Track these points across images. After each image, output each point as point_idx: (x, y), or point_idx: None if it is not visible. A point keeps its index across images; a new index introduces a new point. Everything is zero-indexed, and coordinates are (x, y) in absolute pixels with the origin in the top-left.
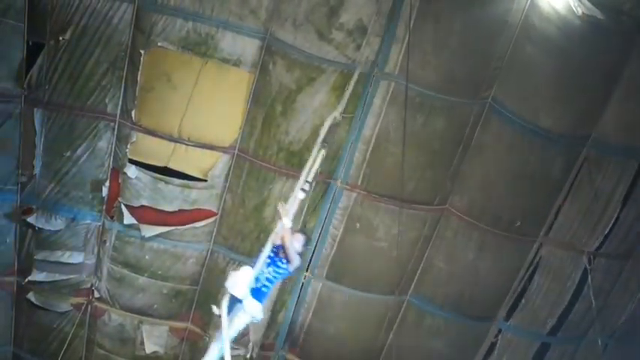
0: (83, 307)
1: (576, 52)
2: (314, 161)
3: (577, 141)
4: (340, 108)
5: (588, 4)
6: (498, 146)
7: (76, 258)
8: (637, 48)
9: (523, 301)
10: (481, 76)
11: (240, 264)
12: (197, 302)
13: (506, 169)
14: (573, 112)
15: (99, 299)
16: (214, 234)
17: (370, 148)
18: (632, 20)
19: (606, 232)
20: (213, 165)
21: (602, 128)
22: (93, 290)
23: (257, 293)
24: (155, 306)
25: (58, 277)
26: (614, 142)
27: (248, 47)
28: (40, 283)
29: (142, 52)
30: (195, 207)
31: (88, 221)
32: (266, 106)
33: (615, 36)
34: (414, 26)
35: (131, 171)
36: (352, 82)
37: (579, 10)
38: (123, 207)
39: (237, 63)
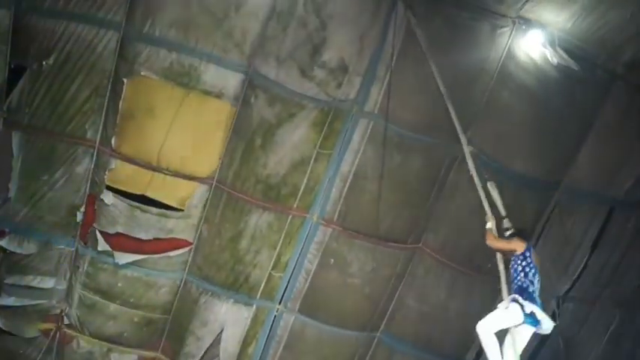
0: (52, 334)
1: (551, 100)
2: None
3: (550, 186)
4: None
5: (564, 55)
6: (472, 188)
7: (47, 283)
8: (610, 98)
9: None
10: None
11: (213, 294)
12: (168, 332)
13: (479, 212)
14: (547, 158)
15: (68, 326)
16: (189, 264)
17: (347, 185)
18: (606, 72)
19: (575, 277)
20: (191, 195)
21: (574, 174)
22: (63, 316)
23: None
24: (125, 334)
25: (27, 301)
26: (585, 188)
27: (231, 80)
28: (9, 307)
29: (125, 80)
30: (171, 236)
31: (62, 246)
32: (246, 138)
33: (589, 86)
34: (395, 68)
35: (108, 198)
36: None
37: (555, 61)
38: (97, 233)
39: (219, 95)
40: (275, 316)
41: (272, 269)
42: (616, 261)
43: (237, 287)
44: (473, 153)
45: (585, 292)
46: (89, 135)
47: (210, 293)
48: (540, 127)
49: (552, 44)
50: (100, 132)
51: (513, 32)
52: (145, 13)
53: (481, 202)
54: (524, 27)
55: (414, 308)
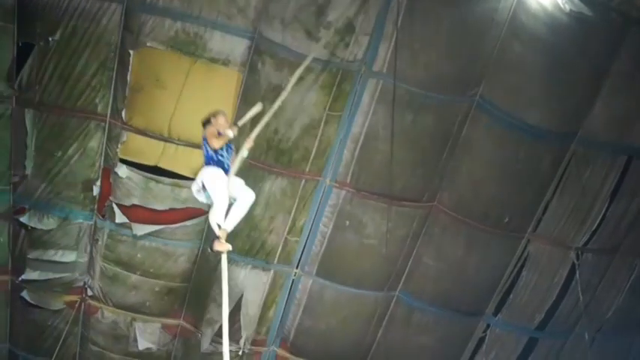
0: (77, 305)
1: (564, 48)
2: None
3: (565, 137)
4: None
5: (576, 0)
6: (486, 143)
7: (69, 257)
8: (625, 44)
9: (511, 296)
10: (469, 74)
11: (231, 261)
12: (189, 299)
13: (494, 166)
14: (561, 109)
15: (92, 297)
16: (205, 232)
17: (359, 146)
18: (620, 16)
19: (594, 228)
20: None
21: (590, 124)
22: (86, 288)
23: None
24: (147, 303)
25: (51, 275)
26: (601, 138)
27: (236, 47)
28: (34, 281)
29: (131, 52)
30: (186, 205)
31: (80, 220)
32: (255, 104)
33: (603, 32)
34: (402, 24)
35: (122, 170)
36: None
37: (567, 7)
38: (114, 206)
39: (225, 62)
40: (293, 280)
41: (288, 234)
42: (635, 210)
43: (255, 253)
44: None
45: (604, 243)
46: (100, 109)
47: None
48: (554, 77)
49: None
50: (110, 105)
51: None
52: None
53: (498, 158)
54: None
55: (431, 266)
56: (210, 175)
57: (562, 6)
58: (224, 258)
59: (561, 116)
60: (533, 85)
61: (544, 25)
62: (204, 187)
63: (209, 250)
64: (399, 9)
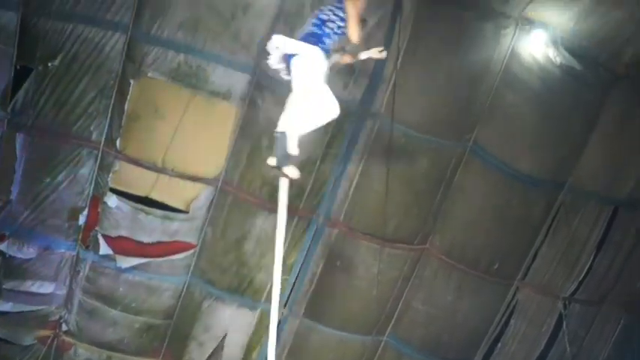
0: (49, 341)
1: (555, 100)
2: None
3: (555, 186)
4: None
5: (567, 54)
6: (479, 188)
7: (47, 288)
8: (612, 97)
9: (499, 345)
10: (464, 120)
11: (217, 298)
12: (169, 337)
13: (486, 211)
14: (552, 158)
15: (66, 332)
16: (192, 267)
17: (353, 186)
18: (608, 71)
19: (581, 278)
20: (196, 196)
21: (579, 174)
22: (61, 323)
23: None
24: (125, 340)
25: (26, 307)
26: (589, 188)
27: (238, 81)
28: (6, 313)
29: (132, 81)
30: (175, 239)
31: (62, 250)
32: (253, 139)
33: (592, 85)
34: (401, 66)
35: (112, 200)
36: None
37: (558, 60)
38: (100, 236)
39: (226, 96)
40: (280, 321)
41: None
42: (621, 262)
43: (242, 291)
44: None
45: (591, 294)
46: (94, 137)
47: (213, 297)
48: (545, 126)
49: (555, 44)
50: (104, 133)
51: (517, 32)
52: (153, 14)
53: (490, 204)
54: (527, 27)
55: (421, 311)
56: (318, 58)
57: (553, 59)
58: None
59: (552, 165)
60: (525, 133)
61: (536, 76)
62: (288, 61)
63: (277, 170)
64: (399, 52)
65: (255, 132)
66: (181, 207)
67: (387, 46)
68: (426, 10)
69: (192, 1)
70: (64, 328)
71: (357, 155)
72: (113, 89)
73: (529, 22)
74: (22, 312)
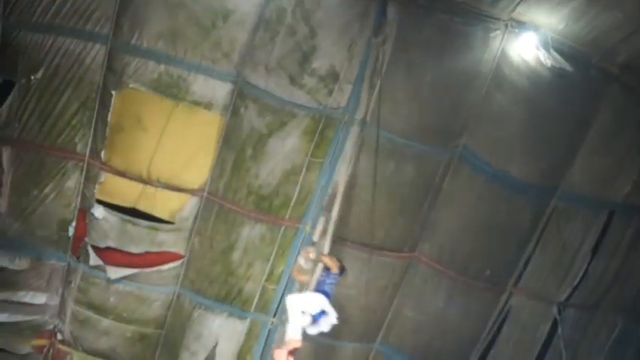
0: (45, 350)
1: (546, 103)
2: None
3: (546, 191)
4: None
5: (557, 56)
6: (468, 194)
7: (39, 299)
8: (604, 100)
9: (493, 351)
10: (452, 125)
11: (206, 308)
12: (161, 347)
13: (475, 218)
14: (543, 163)
15: (61, 341)
16: (181, 277)
17: (340, 194)
18: (600, 73)
19: (575, 283)
20: (182, 207)
21: (571, 179)
22: (55, 332)
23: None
24: (118, 349)
25: (20, 317)
26: (582, 192)
27: (220, 90)
28: (1, 324)
29: (113, 92)
30: (163, 249)
31: (53, 261)
32: (236, 149)
33: (584, 88)
34: (386, 74)
35: (98, 212)
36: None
37: (549, 62)
38: (89, 248)
39: (208, 106)
40: (270, 330)
41: (265, 281)
42: (617, 267)
43: (231, 300)
44: None
45: (586, 299)
46: (79, 148)
47: (203, 307)
48: (536, 130)
49: (546, 46)
50: (89, 145)
51: (506, 35)
52: (133, 25)
53: (479, 210)
54: (516, 30)
55: (411, 318)
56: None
57: (544, 61)
58: None
59: (543, 170)
60: (516, 137)
61: (526, 79)
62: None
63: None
64: (383, 58)
65: (239, 141)
66: (167, 218)
67: (370, 52)
68: (411, 17)
69: (171, 10)
70: (59, 337)
71: (342, 163)
72: (96, 101)
73: (518, 24)
74: (17, 322)
